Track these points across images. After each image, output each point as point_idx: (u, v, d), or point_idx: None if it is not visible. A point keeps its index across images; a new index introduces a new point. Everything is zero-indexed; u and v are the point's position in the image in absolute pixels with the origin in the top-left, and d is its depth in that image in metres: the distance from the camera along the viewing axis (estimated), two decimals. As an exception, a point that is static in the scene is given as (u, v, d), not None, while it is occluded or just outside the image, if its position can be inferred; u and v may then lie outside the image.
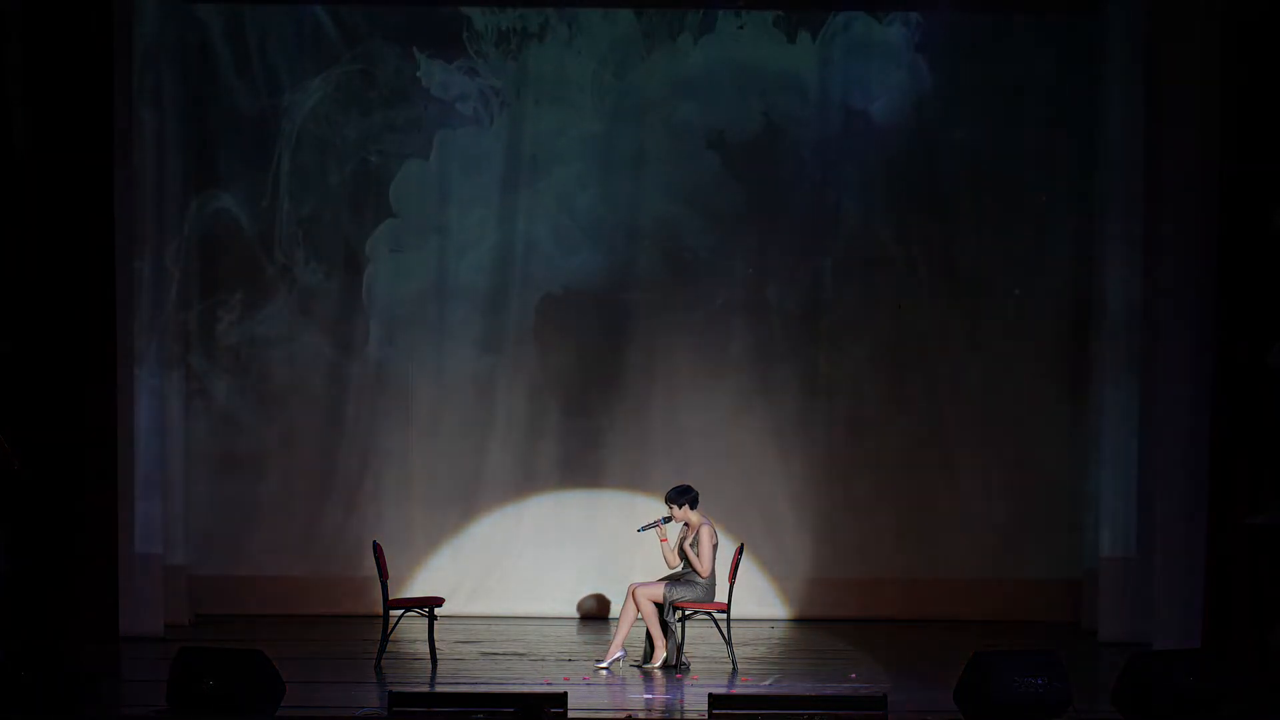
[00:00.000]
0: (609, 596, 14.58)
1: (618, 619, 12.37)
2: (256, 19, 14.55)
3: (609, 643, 12.39)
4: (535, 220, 14.75)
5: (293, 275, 14.70)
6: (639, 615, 12.17)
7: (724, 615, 12.25)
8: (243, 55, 14.58)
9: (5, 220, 12.92)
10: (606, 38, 14.66)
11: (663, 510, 12.41)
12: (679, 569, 12.35)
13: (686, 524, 12.32)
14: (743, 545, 12.62)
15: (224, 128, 14.60)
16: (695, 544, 12.21)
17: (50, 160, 13.12)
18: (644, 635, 12.26)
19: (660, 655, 12.15)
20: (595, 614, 14.63)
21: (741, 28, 14.63)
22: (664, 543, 12.32)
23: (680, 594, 12.16)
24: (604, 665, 12.10)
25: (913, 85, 14.62)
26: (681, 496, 12.30)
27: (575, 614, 14.69)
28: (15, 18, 12.95)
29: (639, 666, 12.18)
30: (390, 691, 10.32)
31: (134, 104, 13.50)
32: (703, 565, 12.16)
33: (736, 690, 11.43)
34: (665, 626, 12.17)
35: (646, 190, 14.75)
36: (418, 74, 14.60)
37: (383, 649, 12.27)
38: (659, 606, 12.15)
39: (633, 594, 12.19)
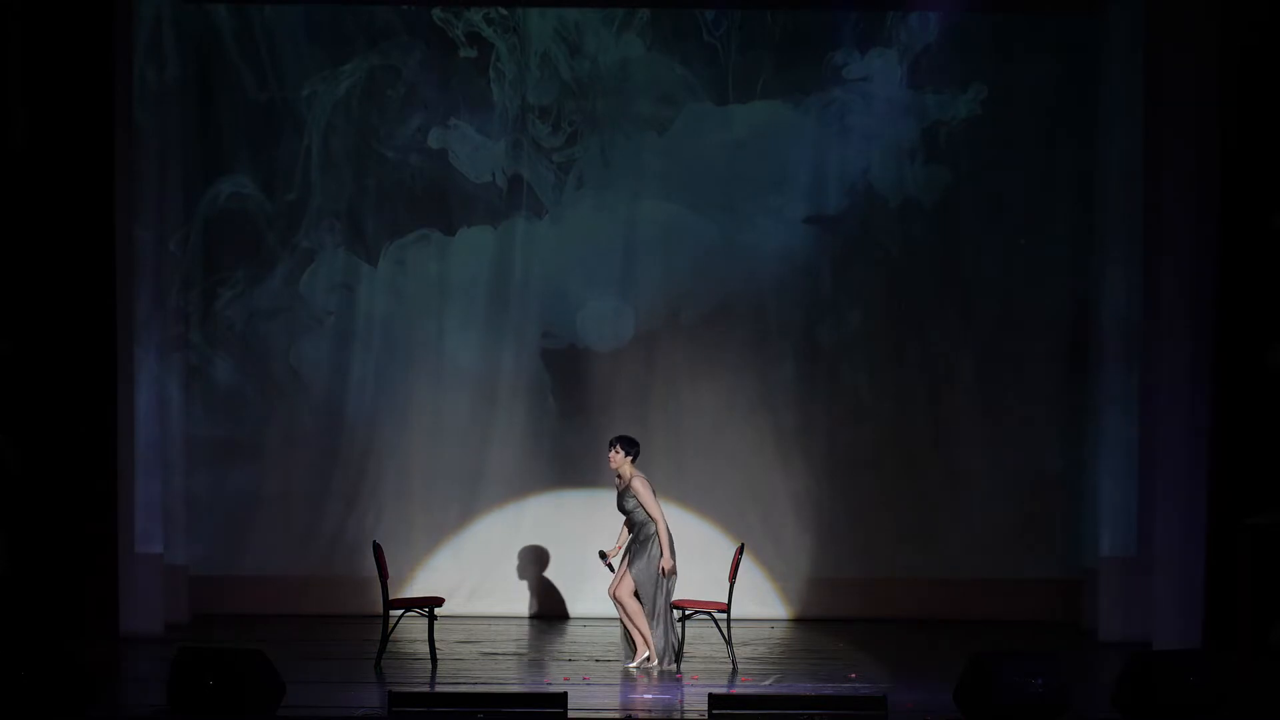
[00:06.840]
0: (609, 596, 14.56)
1: (620, 623, 12.33)
2: (261, 8, 14.54)
3: (613, 644, 12.35)
4: (536, 223, 14.76)
5: (297, 267, 14.69)
6: (629, 613, 12.11)
7: (724, 615, 12.24)
8: (248, 41, 14.57)
9: (3, 205, 12.90)
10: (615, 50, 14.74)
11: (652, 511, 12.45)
12: (630, 540, 12.22)
13: (619, 475, 12.22)
14: (743, 545, 12.61)
15: (232, 113, 14.58)
16: (633, 496, 12.11)
17: (50, 140, 13.10)
18: (631, 633, 12.21)
19: (642, 653, 12.11)
20: (595, 614, 14.61)
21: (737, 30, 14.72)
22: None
23: (644, 568, 12.00)
24: (634, 665, 12.07)
25: (913, 83, 14.63)
26: (629, 446, 12.17)
27: (574, 614, 14.69)
28: None
29: (625, 666, 12.14)
30: (390, 691, 10.31)
31: (136, 84, 13.50)
32: (653, 510, 12.04)
33: (736, 690, 11.42)
34: (655, 619, 12.07)
35: (646, 191, 14.76)
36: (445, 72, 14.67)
37: (383, 649, 12.26)
38: (641, 600, 12.05)
39: (613, 597, 12.18)
